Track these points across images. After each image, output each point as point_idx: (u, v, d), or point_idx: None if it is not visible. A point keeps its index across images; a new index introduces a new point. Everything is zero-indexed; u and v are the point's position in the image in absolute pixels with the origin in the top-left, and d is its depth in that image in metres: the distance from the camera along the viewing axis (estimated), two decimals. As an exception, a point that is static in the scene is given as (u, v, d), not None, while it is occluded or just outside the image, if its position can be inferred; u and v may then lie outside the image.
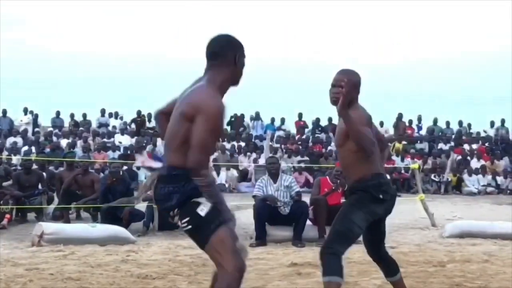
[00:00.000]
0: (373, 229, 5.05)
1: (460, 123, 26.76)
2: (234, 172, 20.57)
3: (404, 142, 24.01)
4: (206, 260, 7.76)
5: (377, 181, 4.87)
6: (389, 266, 5.27)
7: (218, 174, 20.08)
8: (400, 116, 26.25)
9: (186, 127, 3.82)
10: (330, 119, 26.11)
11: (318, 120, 26.19)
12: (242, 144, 23.31)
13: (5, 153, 20.32)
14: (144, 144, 22.01)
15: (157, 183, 3.99)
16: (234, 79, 4.06)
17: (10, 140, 22.52)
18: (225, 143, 23.19)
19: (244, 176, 21.17)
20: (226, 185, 19.99)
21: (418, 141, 25.03)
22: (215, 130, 3.80)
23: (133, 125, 25.66)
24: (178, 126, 3.88)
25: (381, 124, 26.37)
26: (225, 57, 3.98)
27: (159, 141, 22.24)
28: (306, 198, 10.06)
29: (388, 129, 26.11)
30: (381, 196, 4.85)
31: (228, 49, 4.00)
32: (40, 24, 56.45)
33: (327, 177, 10.31)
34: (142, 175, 19.85)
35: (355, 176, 4.91)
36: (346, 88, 4.59)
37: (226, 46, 4.01)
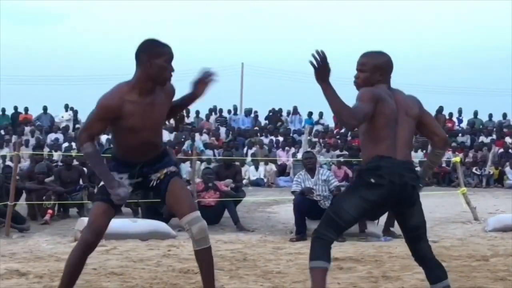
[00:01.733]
0: (402, 224, 4.71)
1: (505, 115, 26.45)
2: (272, 167, 20.57)
3: (444, 135, 23.77)
4: (246, 255, 7.82)
5: (376, 163, 4.49)
6: (431, 272, 4.81)
7: (256, 168, 20.12)
8: (440, 109, 26.00)
9: None
10: (369, 113, 25.98)
11: (357, 113, 26.07)
12: (280, 138, 23.31)
13: (46, 149, 20.61)
14: (182, 140, 22.13)
15: None
16: (152, 78, 4.53)
17: (51, 136, 22.81)
18: (263, 138, 23.21)
19: (282, 170, 21.18)
20: (265, 180, 20.02)
21: (459, 134, 24.77)
22: (98, 116, 4.56)
23: (171, 121, 25.79)
24: None
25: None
26: (139, 59, 4.56)
27: (197, 136, 22.37)
28: (346, 193, 10.02)
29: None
30: (372, 180, 4.46)
31: (140, 51, 4.56)
32: (81, 21, 57.00)
33: (367, 171, 10.25)
34: (182, 170, 20.00)
35: (363, 158, 4.67)
36: (320, 59, 4.25)
37: (140, 49, 4.56)
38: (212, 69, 4.95)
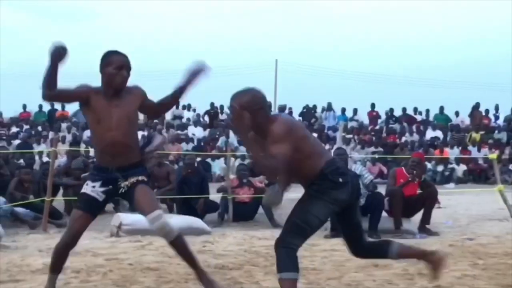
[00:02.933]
0: (346, 222, 4.83)
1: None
2: (307, 163, 20.53)
3: (481, 132, 23.52)
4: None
5: (334, 165, 4.63)
6: (379, 252, 5.05)
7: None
8: (476, 106, 25.72)
9: None
10: (404, 109, 25.82)
11: (391, 110, 25.91)
12: (315, 135, 23.25)
13: (82, 145, 20.80)
14: (217, 136, 22.20)
15: None
16: (107, 84, 5.06)
17: (88, 132, 23.01)
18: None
19: (317, 167, 21.12)
20: (299, 176, 19.99)
21: (496, 131, 24.50)
22: (74, 88, 5.11)
23: (206, 117, 25.90)
24: None
25: (457, 114, 25.92)
26: (99, 68, 5.11)
27: (231, 133, 22.43)
28: (381, 189, 9.98)
29: (464, 119, 25.65)
30: (340, 180, 4.58)
31: (100, 61, 5.10)
32: (117, 16, 57.44)
33: (403, 168, 10.19)
34: (216, 166, 20.07)
35: (310, 175, 4.63)
36: (234, 116, 4.54)
37: (100, 59, 5.12)
38: (205, 63, 5.21)
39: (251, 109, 4.50)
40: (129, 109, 5.07)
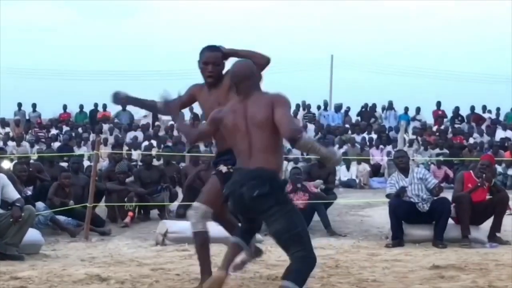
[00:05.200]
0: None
1: None
2: (365, 167, 20.43)
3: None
4: (338, 262, 7.81)
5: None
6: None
7: (348, 168, 20.01)
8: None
9: None
10: (472, 108, 25.49)
11: (457, 109, 25.59)
12: (374, 136, 23.12)
13: (125, 148, 21.01)
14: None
15: None
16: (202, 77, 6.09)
17: (130, 134, 23.25)
18: (354, 135, 23.08)
19: (376, 171, 21.00)
20: (357, 181, 19.89)
21: None
22: None
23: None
24: None
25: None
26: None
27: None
28: (447, 195, 9.89)
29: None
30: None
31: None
32: (152, 15, 57.95)
33: (471, 171, 10.07)
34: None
35: (276, 170, 5.31)
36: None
37: None
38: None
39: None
40: (222, 101, 5.79)
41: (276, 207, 5.01)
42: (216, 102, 5.85)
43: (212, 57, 5.96)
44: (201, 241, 6.14)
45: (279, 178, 5.19)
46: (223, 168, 5.91)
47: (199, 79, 6.15)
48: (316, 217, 10.71)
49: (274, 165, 5.15)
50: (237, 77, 5.34)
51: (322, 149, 5.07)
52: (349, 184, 19.48)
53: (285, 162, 16.29)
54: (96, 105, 26.49)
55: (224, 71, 5.99)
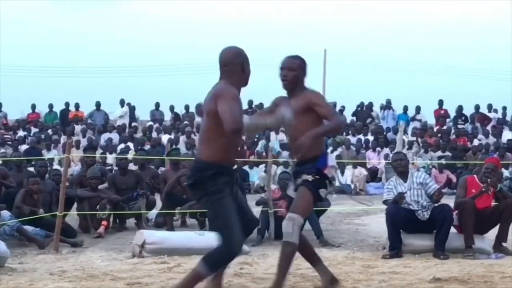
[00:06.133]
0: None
1: None
2: (362, 171, 20.48)
3: None
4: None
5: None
6: None
7: (342, 172, 20.03)
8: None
9: None
10: (477, 107, 25.56)
11: (461, 108, 25.65)
12: (371, 137, 23.18)
13: (99, 151, 20.94)
14: (255, 140, 22.25)
15: None
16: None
17: (105, 136, 23.17)
18: (349, 137, 23.12)
19: (373, 175, 21.04)
20: (352, 186, 19.93)
21: None
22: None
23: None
24: None
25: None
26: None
27: (272, 136, 22.45)
28: (449, 201, 9.91)
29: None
30: None
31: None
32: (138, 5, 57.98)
33: (475, 176, 10.10)
34: (255, 175, 20.11)
35: None
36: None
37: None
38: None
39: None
40: (296, 108, 6.38)
41: (204, 197, 5.90)
42: (292, 110, 6.19)
43: (287, 63, 6.67)
44: (291, 253, 6.61)
45: (209, 169, 5.78)
46: (308, 177, 6.57)
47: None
48: (307, 226, 10.68)
49: (206, 157, 5.83)
50: (219, 61, 6.00)
51: (269, 120, 6.00)
52: (343, 190, 19.47)
53: (274, 167, 16.28)
54: (67, 104, 26.42)
55: (305, 82, 6.72)
